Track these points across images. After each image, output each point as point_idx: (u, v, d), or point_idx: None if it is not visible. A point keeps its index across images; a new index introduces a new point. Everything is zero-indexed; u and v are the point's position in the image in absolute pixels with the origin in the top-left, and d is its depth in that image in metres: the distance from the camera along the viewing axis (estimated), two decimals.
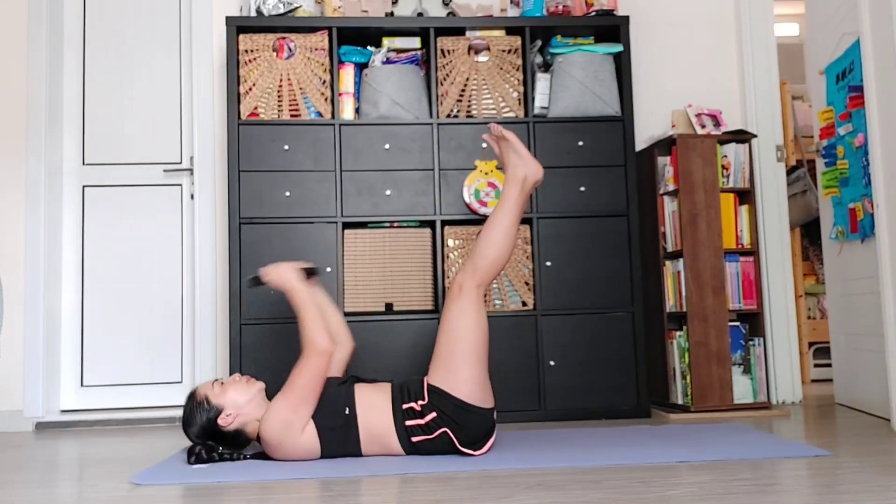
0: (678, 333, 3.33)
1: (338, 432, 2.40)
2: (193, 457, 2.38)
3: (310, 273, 2.61)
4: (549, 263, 3.35)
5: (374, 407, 2.42)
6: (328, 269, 3.27)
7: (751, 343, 3.34)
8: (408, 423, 2.40)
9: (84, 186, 3.79)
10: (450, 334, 2.44)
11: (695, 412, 3.23)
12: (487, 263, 2.50)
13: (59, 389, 3.70)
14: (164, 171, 3.80)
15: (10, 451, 2.91)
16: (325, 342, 2.39)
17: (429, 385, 2.42)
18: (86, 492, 2.12)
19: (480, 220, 3.37)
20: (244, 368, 3.17)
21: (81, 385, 3.71)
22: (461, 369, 2.40)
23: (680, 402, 3.32)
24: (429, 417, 2.39)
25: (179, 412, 3.60)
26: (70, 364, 3.72)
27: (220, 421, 2.40)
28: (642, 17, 3.94)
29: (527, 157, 2.62)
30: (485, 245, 2.52)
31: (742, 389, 3.30)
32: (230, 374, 3.16)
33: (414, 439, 2.40)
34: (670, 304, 3.40)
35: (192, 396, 2.46)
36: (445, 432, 2.38)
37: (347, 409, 2.41)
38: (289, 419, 2.35)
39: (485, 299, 2.57)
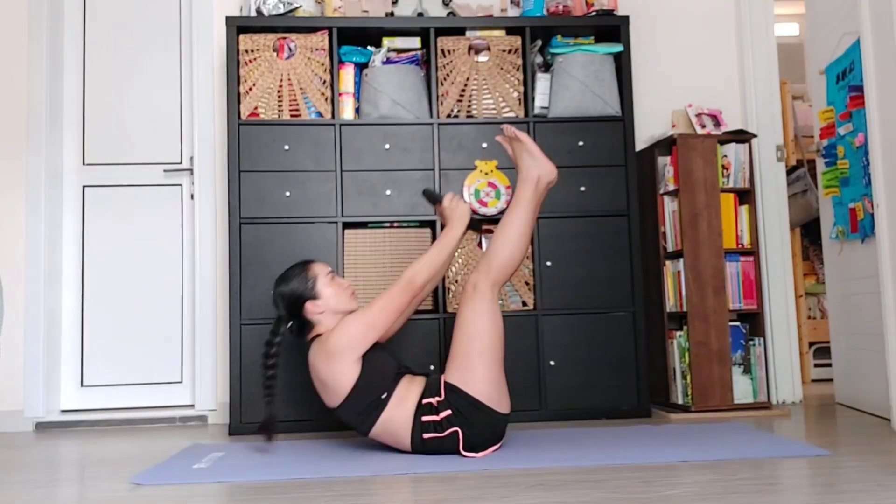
0: (678, 333, 3.34)
1: (364, 405, 2.43)
2: (281, 324, 2.55)
3: (478, 227, 2.77)
4: (549, 263, 3.35)
5: (404, 402, 2.45)
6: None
7: (751, 343, 3.34)
8: (424, 418, 2.42)
9: (84, 186, 3.79)
10: (465, 334, 2.46)
11: (695, 412, 3.23)
12: (501, 263, 2.53)
13: (60, 389, 3.70)
14: (165, 171, 3.80)
15: (11, 451, 2.91)
16: (422, 283, 2.50)
17: (446, 382, 2.45)
18: (86, 492, 2.12)
19: (480, 220, 3.37)
20: (244, 368, 3.17)
21: (81, 385, 3.71)
22: (477, 369, 2.43)
23: (680, 401, 3.32)
24: (443, 414, 2.41)
25: (180, 412, 3.61)
26: (70, 364, 3.72)
27: (307, 304, 2.53)
28: (642, 17, 3.94)
29: (540, 158, 2.64)
30: (499, 245, 2.54)
31: (742, 389, 3.30)
32: (230, 373, 3.16)
33: (426, 436, 2.42)
34: (671, 303, 3.40)
35: (305, 265, 2.60)
36: (456, 432, 2.39)
37: (385, 394, 2.44)
38: (356, 336, 2.42)
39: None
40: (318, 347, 2.47)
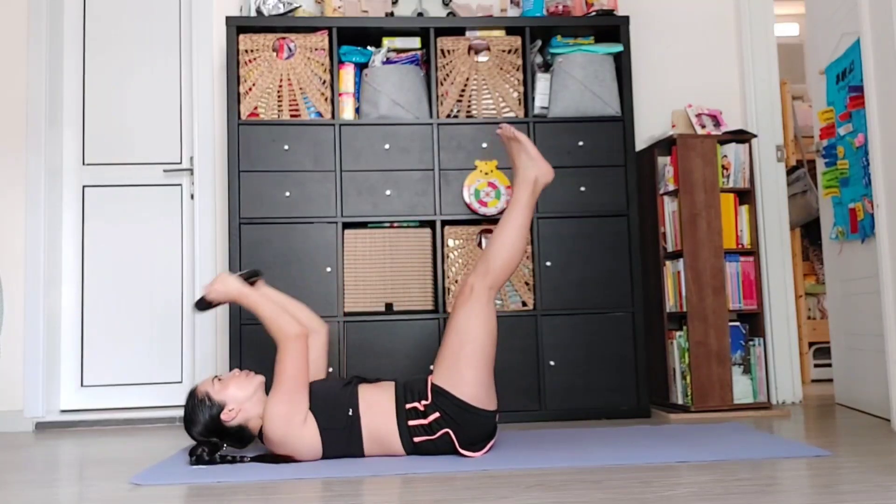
0: (678, 333, 3.33)
1: (341, 433, 2.40)
2: (195, 457, 2.38)
3: (250, 277, 2.62)
4: (549, 263, 3.35)
5: (377, 408, 2.42)
6: (328, 269, 3.27)
7: (751, 343, 3.34)
8: (411, 423, 2.40)
9: (84, 186, 3.79)
10: (458, 336, 2.43)
11: (695, 412, 3.23)
12: (499, 265, 2.50)
13: (59, 389, 3.70)
14: (164, 171, 3.80)
15: (10, 451, 2.91)
16: (293, 326, 2.40)
17: (433, 385, 2.42)
18: (86, 492, 2.12)
19: (480, 220, 3.37)
20: (245, 367, 3.16)
21: (81, 385, 3.71)
22: (466, 372, 2.40)
23: (680, 402, 3.32)
24: (431, 418, 2.39)
25: (180, 412, 3.60)
26: (70, 364, 3.72)
27: (222, 416, 2.39)
28: (642, 17, 3.94)
29: (537, 159, 2.62)
30: (497, 247, 2.52)
31: (742, 389, 3.30)
32: (230, 371, 3.16)
33: (416, 440, 2.40)
34: (670, 304, 3.40)
35: (192, 394, 2.45)
36: (447, 433, 2.38)
37: (351, 409, 2.41)
38: (287, 413, 2.35)
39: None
40: (269, 443, 2.41)
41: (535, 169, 2.61)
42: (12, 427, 3.52)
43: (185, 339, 3.75)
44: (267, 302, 2.48)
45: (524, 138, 2.64)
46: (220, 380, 2.45)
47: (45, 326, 3.58)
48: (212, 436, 2.41)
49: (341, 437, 2.40)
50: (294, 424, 2.36)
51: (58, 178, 3.75)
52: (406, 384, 2.47)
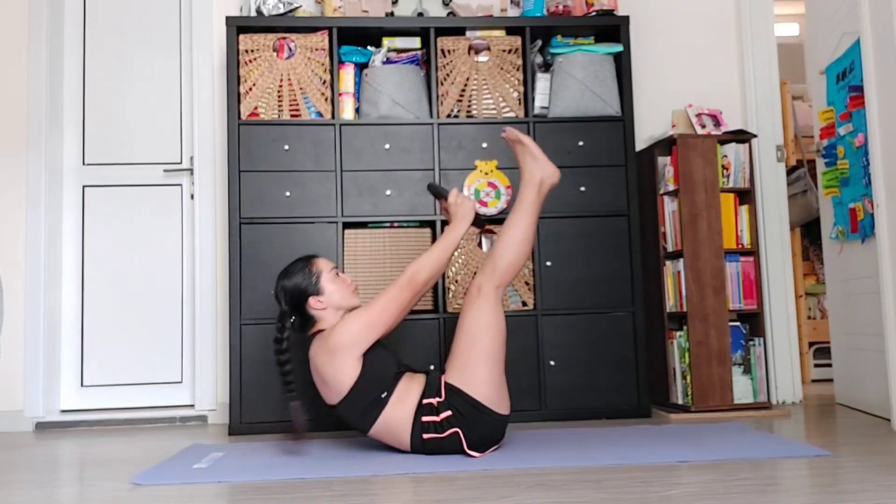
0: (678, 333, 3.33)
1: (364, 404, 2.43)
2: (283, 323, 2.53)
3: (481, 224, 2.73)
4: (549, 263, 3.35)
5: (404, 400, 2.45)
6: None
7: (751, 343, 3.34)
8: (424, 418, 2.42)
9: (84, 186, 3.79)
10: (468, 336, 2.47)
11: (695, 412, 3.23)
12: (506, 265, 2.55)
13: (60, 389, 3.70)
14: (164, 171, 3.80)
15: (10, 451, 2.91)
16: (424, 281, 2.50)
17: (446, 383, 2.44)
18: (86, 492, 2.12)
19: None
20: (244, 368, 3.17)
21: (81, 385, 3.71)
22: (478, 371, 2.43)
23: (680, 402, 3.32)
24: (443, 415, 2.40)
25: (180, 412, 3.61)
26: (70, 364, 3.72)
27: (310, 299, 2.53)
28: (642, 17, 3.94)
29: (543, 160, 2.66)
30: (503, 247, 2.56)
31: (742, 389, 3.30)
32: (230, 373, 3.16)
33: (425, 436, 2.42)
34: (670, 304, 3.40)
35: (309, 259, 2.60)
36: (457, 433, 2.40)
37: (385, 393, 2.44)
38: (357, 334, 2.42)
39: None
40: (319, 343, 2.47)
41: (540, 170, 2.64)
42: (12, 427, 3.52)
43: (185, 339, 3.75)
44: (451, 250, 2.57)
45: (528, 141, 2.66)
46: (338, 275, 2.60)
47: (45, 326, 3.58)
48: (290, 298, 2.54)
49: (361, 406, 2.44)
50: (354, 349, 2.42)
51: (58, 178, 3.75)
52: (430, 380, 2.50)
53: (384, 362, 2.48)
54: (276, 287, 2.60)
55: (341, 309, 2.57)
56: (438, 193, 2.72)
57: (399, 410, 2.44)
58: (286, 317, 2.56)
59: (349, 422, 2.49)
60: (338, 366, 2.41)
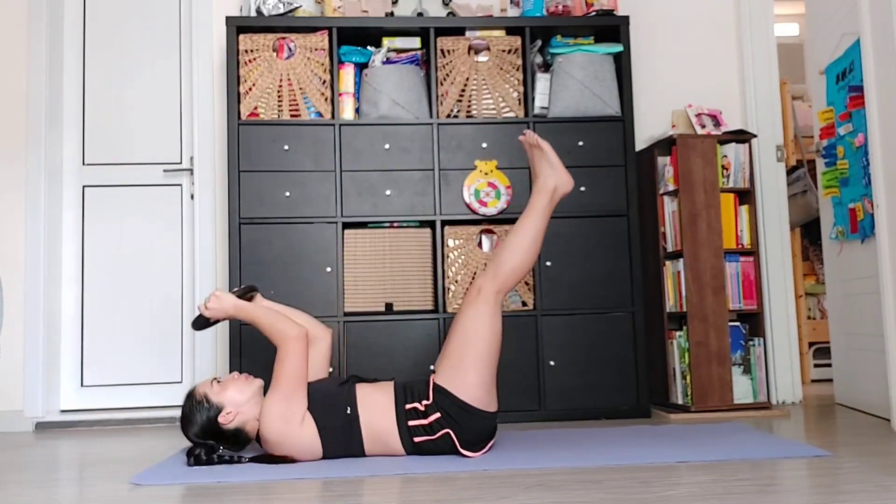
0: (678, 333, 3.33)
1: (340, 432, 2.40)
2: (192, 458, 2.38)
3: (246, 293, 2.62)
4: (549, 263, 3.35)
5: (375, 406, 2.42)
6: (328, 269, 3.27)
7: (751, 343, 3.34)
8: (411, 423, 2.40)
9: (84, 186, 3.79)
10: (462, 337, 2.44)
11: (695, 412, 3.23)
12: (509, 270, 2.50)
13: (59, 389, 3.70)
14: (164, 171, 3.80)
15: (10, 451, 2.91)
16: (292, 327, 2.41)
17: (435, 384, 2.42)
18: (86, 492, 2.12)
19: (480, 220, 3.37)
20: (244, 368, 3.17)
21: (81, 385, 3.71)
22: (469, 374, 2.40)
23: (680, 402, 3.32)
24: (432, 418, 2.39)
25: (179, 412, 3.60)
26: (70, 364, 3.71)
27: (220, 419, 2.39)
28: (642, 17, 3.94)
29: (559, 168, 2.60)
30: (509, 251, 2.51)
31: (742, 389, 3.30)
32: (230, 372, 3.16)
33: (416, 439, 2.40)
34: (670, 304, 3.40)
35: (190, 395, 2.45)
36: (448, 433, 2.39)
37: (349, 408, 2.41)
38: (284, 412, 2.35)
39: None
40: (267, 444, 2.41)
41: (555, 178, 2.59)
42: (12, 427, 3.52)
43: (185, 339, 3.75)
44: (264, 310, 2.49)
45: (547, 146, 2.62)
46: (219, 382, 2.45)
47: (45, 326, 3.58)
48: (209, 437, 2.40)
49: (340, 436, 2.40)
50: (292, 424, 2.36)
51: (58, 178, 3.75)
52: (405, 385, 2.47)
53: (324, 393, 2.44)
54: (191, 441, 2.42)
55: (251, 400, 2.43)
56: (202, 324, 2.57)
57: (376, 417, 2.40)
58: (215, 449, 2.41)
59: (343, 454, 2.44)
60: (296, 442, 2.37)
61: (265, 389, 2.49)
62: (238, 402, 2.41)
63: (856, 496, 1.79)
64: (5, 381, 3.55)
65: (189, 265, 3.77)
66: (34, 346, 3.54)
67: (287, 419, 2.36)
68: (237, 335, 3.19)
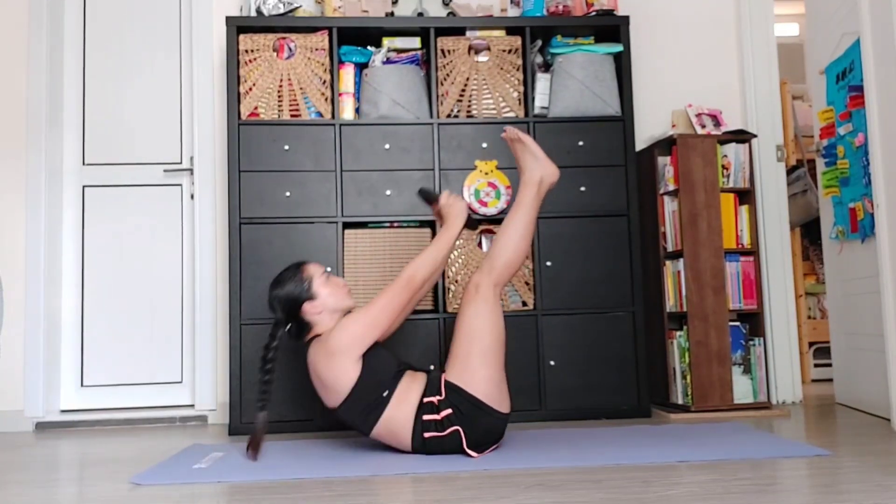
0: (678, 333, 3.33)
1: (364, 406, 2.42)
2: (281, 329, 2.54)
3: (474, 225, 2.75)
4: (549, 263, 3.35)
5: (406, 398, 2.44)
6: (328, 269, 3.27)
7: (751, 343, 3.34)
8: (425, 417, 2.41)
9: (84, 186, 3.79)
10: (467, 335, 2.47)
11: (695, 412, 3.23)
12: (504, 263, 2.55)
13: (59, 389, 3.70)
14: (165, 171, 3.80)
15: (10, 451, 2.91)
16: (422, 281, 2.50)
17: (446, 381, 2.45)
18: (86, 492, 2.12)
19: (478, 218, 3.37)
20: (244, 368, 3.17)
21: (81, 385, 3.71)
22: (478, 369, 2.43)
23: (680, 402, 3.32)
24: (444, 414, 2.40)
25: (179, 412, 3.61)
26: (70, 364, 3.72)
27: (305, 305, 2.52)
28: (642, 17, 3.94)
29: (543, 160, 2.67)
30: (502, 246, 2.57)
31: (742, 389, 3.30)
32: (230, 373, 3.16)
33: (426, 435, 2.41)
34: (670, 304, 3.40)
35: (300, 267, 2.58)
36: (457, 431, 2.39)
37: (387, 392, 2.43)
38: (357, 336, 2.41)
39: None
40: (317, 347, 2.47)
41: (540, 169, 2.65)
42: (12, 427, 3.52)
43: (185, 339, 3.75)
44: (448, 250, 2.58)
45: (528, 139, 2.67)
46: (329, 277, 2.57)
47: (45, 326, 3.58)
48: (284, 306, 2.52)
49: (362, 407, 2.43)
50: (353, 350, 2.41)
51: (58, 178, 3.75)
52: (431, 378, 2.50)
53: (384, 362, 2.47)
54: (270, 297, 2.58)
55: (337, 312, 2.56)
56: (430, 197, 2.70)
57: (400, 410, 2.43)
58: (280, 325, 2.54)
59: (350, 424, 2.49)
60: (337, 368, 2.41)
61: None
62: (328, 305, 2.54)
63: (856, 496, 1.79)
64: (5, 381, 3.55)
65: (189, 265, 3.77)
66: (34, 346, 3.55)
67: (354, 343, 2.40)
68: (237, 333, 3.19)
